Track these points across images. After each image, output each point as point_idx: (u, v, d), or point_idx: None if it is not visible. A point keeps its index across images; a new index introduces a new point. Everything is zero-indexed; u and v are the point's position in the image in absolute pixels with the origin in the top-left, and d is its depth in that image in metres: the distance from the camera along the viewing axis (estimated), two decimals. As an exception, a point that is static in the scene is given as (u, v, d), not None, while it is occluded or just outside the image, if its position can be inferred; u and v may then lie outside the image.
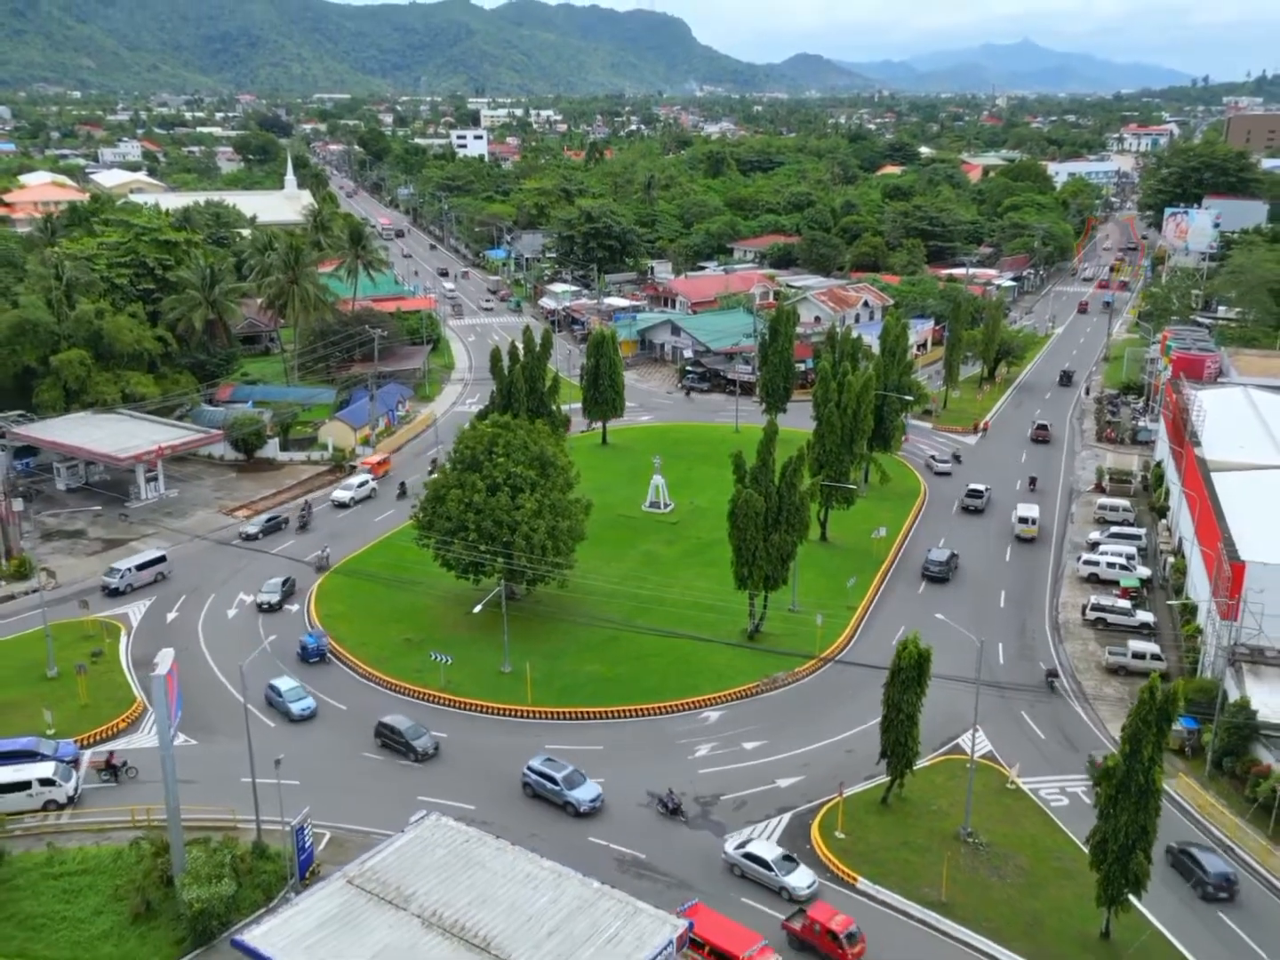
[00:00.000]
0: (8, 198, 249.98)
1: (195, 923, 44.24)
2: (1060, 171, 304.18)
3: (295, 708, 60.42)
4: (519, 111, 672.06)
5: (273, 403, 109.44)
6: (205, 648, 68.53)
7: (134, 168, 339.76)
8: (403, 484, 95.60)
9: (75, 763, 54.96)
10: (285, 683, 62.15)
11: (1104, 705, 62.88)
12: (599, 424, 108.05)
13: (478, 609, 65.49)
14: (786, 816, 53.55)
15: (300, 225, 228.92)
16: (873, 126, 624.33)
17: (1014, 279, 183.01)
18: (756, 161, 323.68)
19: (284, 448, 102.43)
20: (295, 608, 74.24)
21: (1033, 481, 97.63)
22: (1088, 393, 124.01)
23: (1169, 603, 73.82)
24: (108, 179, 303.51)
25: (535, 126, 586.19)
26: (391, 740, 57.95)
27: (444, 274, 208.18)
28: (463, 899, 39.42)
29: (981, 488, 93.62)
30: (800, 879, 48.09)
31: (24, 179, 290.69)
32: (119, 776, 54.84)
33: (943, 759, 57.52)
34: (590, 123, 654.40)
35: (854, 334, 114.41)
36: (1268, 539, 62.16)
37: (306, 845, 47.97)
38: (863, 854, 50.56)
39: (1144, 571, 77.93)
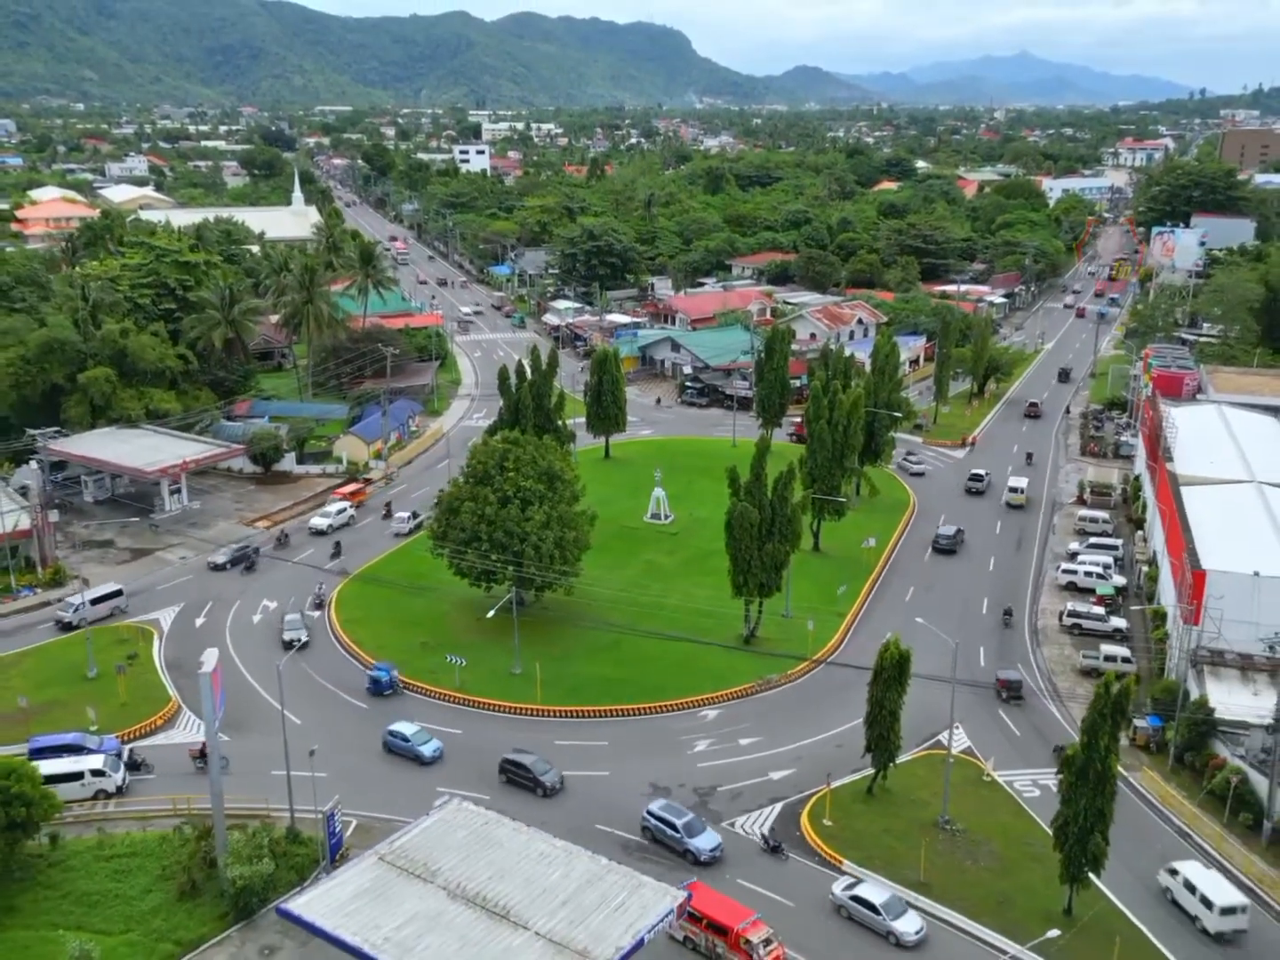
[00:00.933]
0: (20, 213, 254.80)
1: (237, 899, 48.55)
2: (1055, 188, 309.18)
3: (425, 751, 60.14)
4: (520, 125, 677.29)
5: (288, 418, 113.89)
6: (233, 651, 72.74)
7: (141, 182, 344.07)
8: (388, 504, 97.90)
9: (119, 756, 59.12)
10: (408, 727, 61.84)
11: (1077, 705, 66.87)
12: (602, 438, 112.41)
13: (491, 614, 69.87)
14: (778, 806, 57.81)
15: (307, 241, 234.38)
16: (871, 140, 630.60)
17: (1005, 295, 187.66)
18: (755, 177, 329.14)
19: (300, 461, 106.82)
20: (317, 614, 78.53)
21: (1029, 457, 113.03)
22: (1068, 411, 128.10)
23: (1133, 609, 78.12)
24: (116, 194, 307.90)
25: (536, 140, 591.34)
26: (517, 776, 58.30)
27: (443, 284, 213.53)
28: (483, 874, 43.66)
29: (983, 472, 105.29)
30: (909, 924, 48.19)
31: (34, 194, 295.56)
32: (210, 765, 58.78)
33: (924, 753, 61.78)
34: (590, 136, 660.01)
35: (847, 351, 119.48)
36: (1229, 550, 66.48)
37: (336, 830, 52.20)
38: (849, 840, 54.79)
39: (1119, 580, 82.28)
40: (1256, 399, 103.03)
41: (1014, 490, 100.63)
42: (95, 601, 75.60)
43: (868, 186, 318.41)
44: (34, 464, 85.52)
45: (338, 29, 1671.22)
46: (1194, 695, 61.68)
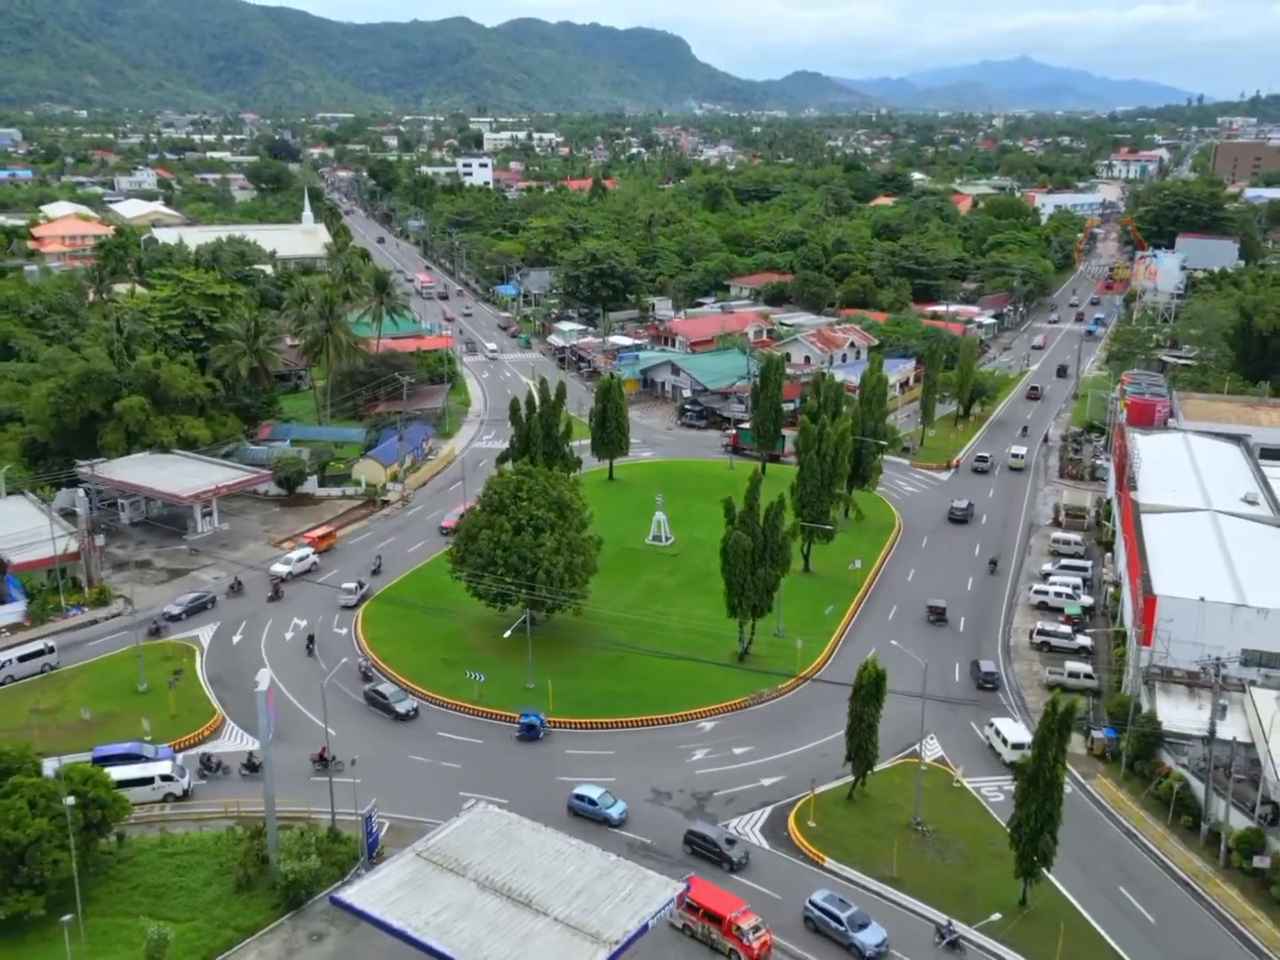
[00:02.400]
0: (36, 231, 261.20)
1: (288, 891, 54.98)
2: (1047, 204, 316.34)
3: (613, 814, 61.85)
4: (521, 134, 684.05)
5: (309, 441, 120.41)
6: (269, 666, 78.98)
7: (150, 196, 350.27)
8: (379, 558, 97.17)
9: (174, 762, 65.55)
10: (593, 790, 63.26)
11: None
12: (606, 461, 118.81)
13: (508, 634, 76.43)
14: (768, 809, 64.22)
15: (317, 258, 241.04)
16: (869, 150, 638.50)
17: (994, 316, 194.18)
18: (754, 191, 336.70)
19: (321, 484, 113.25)
20: (344, 631, 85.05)
21: (1024, 430, 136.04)
22: (1046, 439, 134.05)
23: (1099, 629, 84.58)
24: (127, 209, 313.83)
25: (538, 150, 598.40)
26: (704, 849, 59.48)
27: (444, 298, 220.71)
28: (508, 868, 50.04)
29: (965, 503, 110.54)
30: (871, 936, 52.43)
31: (46, 209, 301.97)
32: (329, 767, 64.63)
33: (900, 762, 68.11)
34: (591, 146, 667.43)
35: (839, 375, 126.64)
36: (1180, 576, 72.88)
37: (374, 831, 58.59)
38: (830, 839, 61.22)
39: (1087, 600, 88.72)
40: (1222, 426, 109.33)
41: (1015, 455, 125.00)
42: (23, 659, 76.78)
43: (864, 201, 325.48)
44: (81, 491, 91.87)
45: (339, 35, 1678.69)
46: (1145, 709, 68.12)
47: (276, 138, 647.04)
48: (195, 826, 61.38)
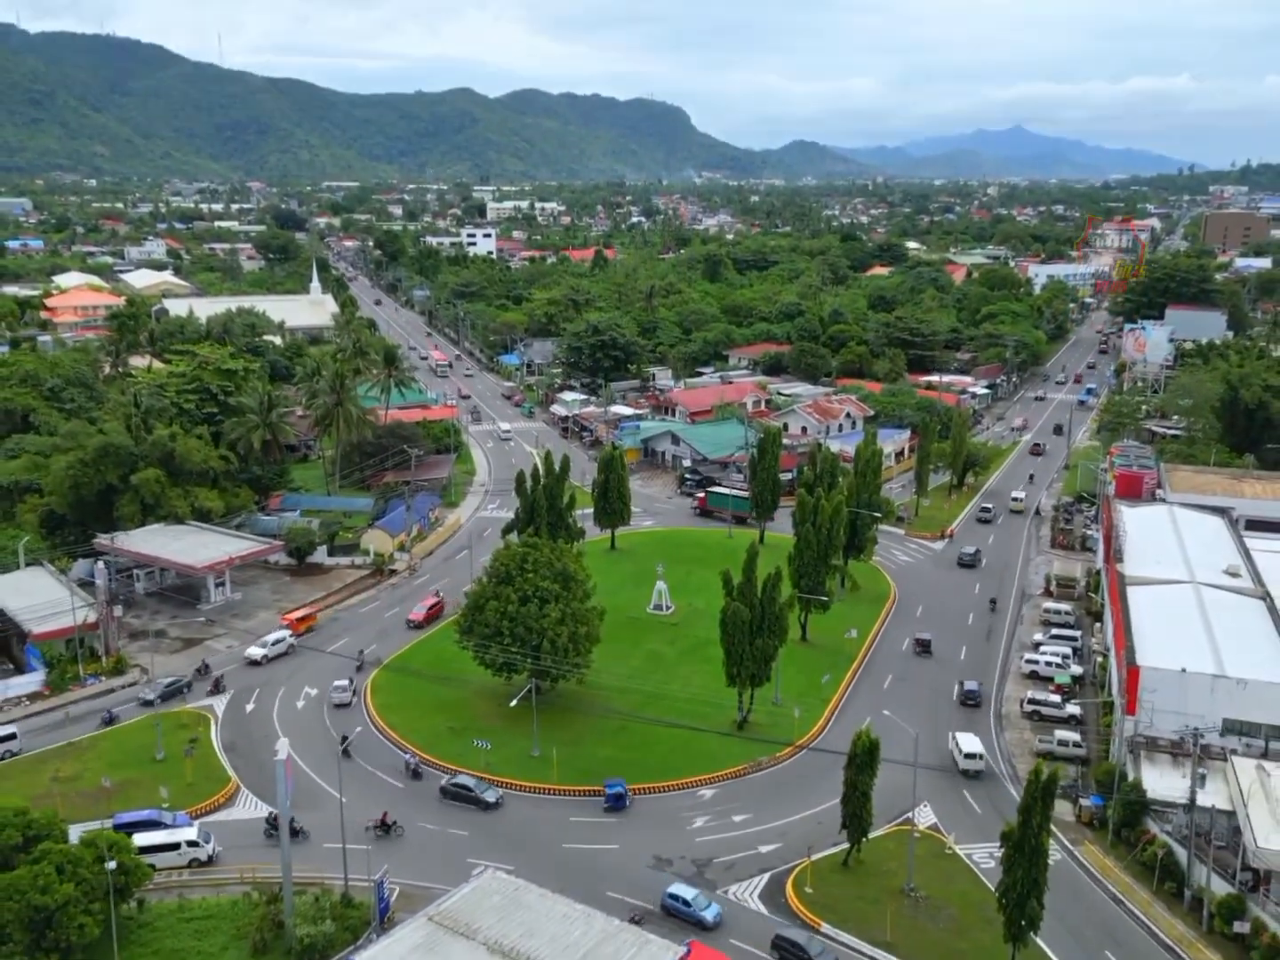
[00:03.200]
0: (49, 302, 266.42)
1: (303, 955, 57.04)
2: (1040, 274, 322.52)
3: (708, 916, 61.52)
4: (524, 204, 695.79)
5: (318, 511, 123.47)
6: (281, 735, 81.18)
7: (159, 266, 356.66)
8: (361, 653, 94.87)
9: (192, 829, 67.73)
10: (687, 891, 62.92)
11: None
12: (609, 530, 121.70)
13: (514, 703, 78.89)
14: (766, 876, 66.31)
15: (325, 328, 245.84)
16: (865, 219, 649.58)
17: (988, 386, 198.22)
18: (752, 261, 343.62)
19: (331, 553, 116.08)
20: (354, 699, 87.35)
21: (1030, 477, 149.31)
22: (1038, 513, 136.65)
23: (1079, 701, 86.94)
24: (137, 279, 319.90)
25: (540, 220, 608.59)
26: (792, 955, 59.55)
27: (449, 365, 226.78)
28: (516, 932, 52.18)
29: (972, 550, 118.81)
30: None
31: (59, 279, 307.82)
32: (390, 833, 67.86)
33: (895, 829, 70.24)
34: (592, 214, 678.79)
35: (835, 445, 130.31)
36: (1163, 647, 75.44)
37: (385, 896, 60.72)
38: (827, 904, 63.30)
39: (1076, 669, 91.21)
40: (1208, 499, 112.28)
41: (1015, 499, 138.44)
42: None
43: (861, 271, 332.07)
44: (101, 563, 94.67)
45: (344, 105, 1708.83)
46: (1130, 777, 70.39)
47: (283, 207, 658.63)
48: (212, 892, 63.46)
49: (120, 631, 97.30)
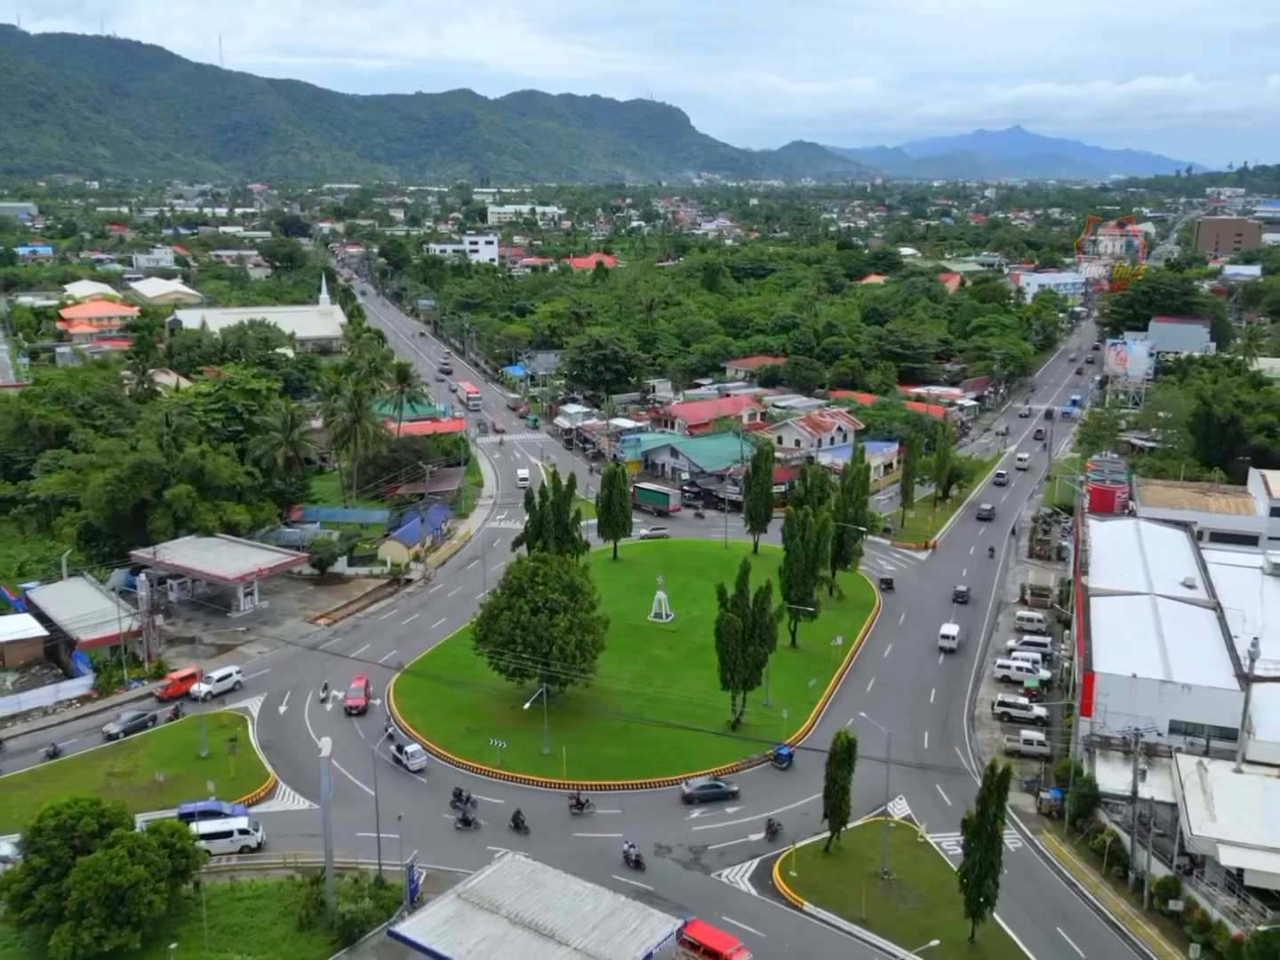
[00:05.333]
0: (65, 313, 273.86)
1: (345, 930, 64.40)
2: (1032, 283, 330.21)
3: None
4: (524, 208, 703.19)
5: (337, 523, 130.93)
6: (313, 734, 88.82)
7: (168, 274, 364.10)
8: (326, 685, 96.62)
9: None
10: None
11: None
12: (611, 541, 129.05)
13: (527, 705, 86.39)
14: (756, 861, 73.66)
15: (334, 339, 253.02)
16: (863, 223, 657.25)
17: (975, 398, 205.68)
18: (750, 269, 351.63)
19: (350, 564, 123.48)
20: (378, 701, 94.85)
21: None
22: (1014, 532, 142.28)
23: (1046, 703, 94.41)
24: (148, 288, 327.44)
25: (541, 225, 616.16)
26: None
27: (448, 371, 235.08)
28: (534, 907, 59.70)
29: (965, 588, 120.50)
30: None
31: (70, 289, 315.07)
32: (584, 809, 77.30)
33: (873, 820, 77.56)
34: (592, 219, 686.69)
35: (826, 459, 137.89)
36: (1118, 654, 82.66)
37: (415, 879, 68.09)
38: (809, 886, 70.68)
39: (1045, 674, 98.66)
40: (1174, 513, 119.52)
41: (1020, 459, 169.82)
42: None
43: (856, 279, 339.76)
44: (143, 575, 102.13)
45: (344, 106, 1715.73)
46: (1085, 773, 77.76)
47: (286, 211, 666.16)
48: (259, 875, 70.90)
49: (159, 637, 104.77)
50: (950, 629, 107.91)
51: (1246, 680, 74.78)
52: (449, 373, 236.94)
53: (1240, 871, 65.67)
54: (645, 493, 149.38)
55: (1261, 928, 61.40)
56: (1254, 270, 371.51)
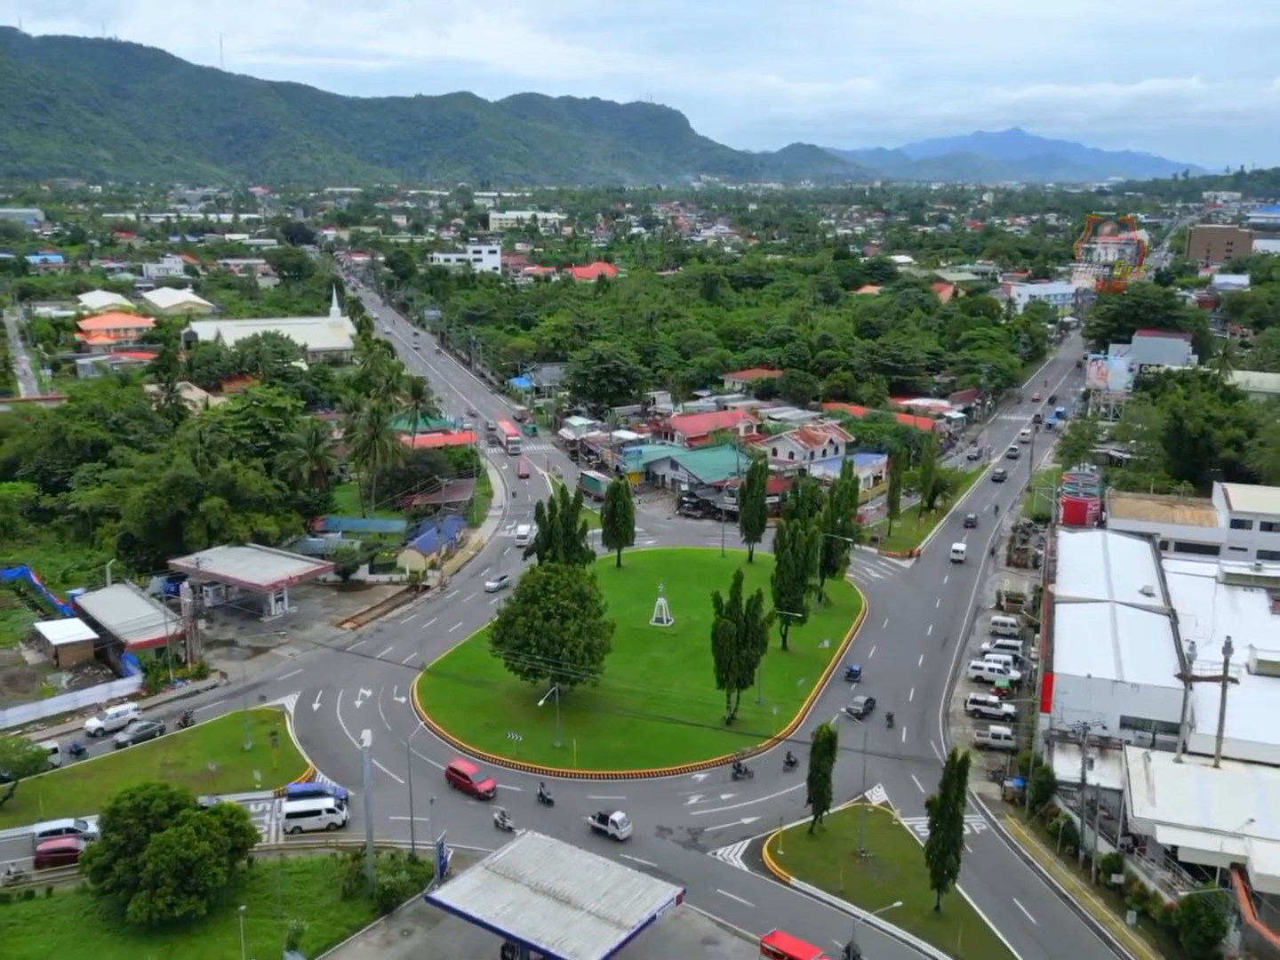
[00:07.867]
0: (83, 324, 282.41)
1: (384, 899, 73.08)
2: (1023, 293, 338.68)
3: None
4: (525, 214, 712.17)
5: (357, 533, 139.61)
6: (345, 729, 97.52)
7: (179, 284, 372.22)
8: (262, 698, 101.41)
9: (345, 800, 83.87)
10: None
11: (970, 771, 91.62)
12: (615, 550, 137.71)
13: (541, 703, 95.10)
14: (747, 841, 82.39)
15: (345, 350, 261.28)
16: (860, 229, 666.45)
17: (963, 410, 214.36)
18: (748, 278, 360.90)
19: (371, 571, 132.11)
20: (403, 699, 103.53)
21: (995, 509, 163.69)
22: (992, 552, 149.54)
23: (1014, 701, 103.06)
24: (160, 298, 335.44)
25: (542, 231, 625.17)
26: None
27: (474, 414, 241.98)
28: (552, 877, 68.38)
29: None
30: None
31: (85, 299, 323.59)
32: (739, 775, 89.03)
33: (853, 805, 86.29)
34: (593, 225, 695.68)
35: (818, 470, 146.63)
36: (1076, 656, 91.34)
37: (444, 856, 76.69)
38: (795, 864, 79.34)
39: (1015, 674, 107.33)
40: (1142, 524, 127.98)
41: (1023, 433, 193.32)
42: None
43: (852, 289, 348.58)
44: (187, 584, 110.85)
45: (345, 109, 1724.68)
46: (1044, 763, 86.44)
47: (289, 217, 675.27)
48: (306, 853, 79.55)
49: (199, 641, 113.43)
50: (960, 545, 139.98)
51: (1186, 680, 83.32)
52: (475, 415, 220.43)
53: (1175, 849, 74.36)
54: (591, 481, 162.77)
55: (1185, 893, 70.14)
56: (1242, 279, 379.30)
